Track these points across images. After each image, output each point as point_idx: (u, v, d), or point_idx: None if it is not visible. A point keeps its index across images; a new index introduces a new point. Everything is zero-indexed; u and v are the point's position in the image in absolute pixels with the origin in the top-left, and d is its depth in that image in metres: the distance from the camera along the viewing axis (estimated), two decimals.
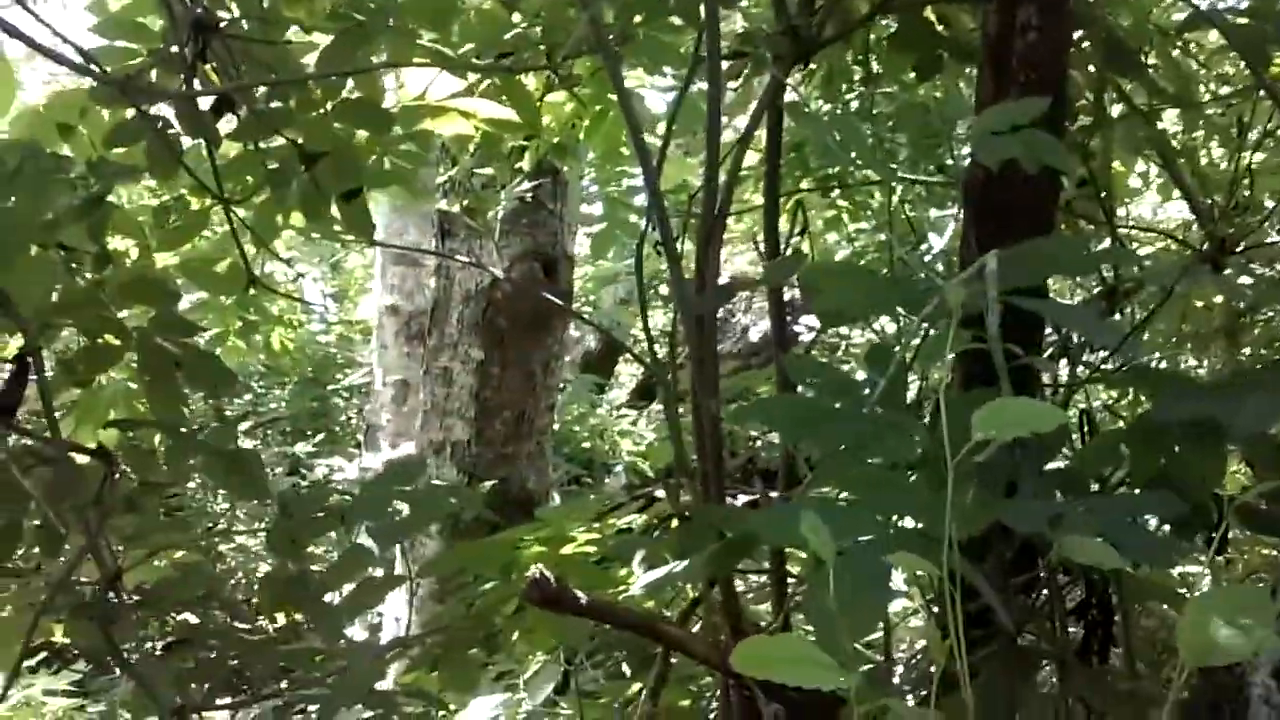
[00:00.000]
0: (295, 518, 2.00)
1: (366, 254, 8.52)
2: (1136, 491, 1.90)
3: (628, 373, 9.75)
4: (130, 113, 2.34)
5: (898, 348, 1.89)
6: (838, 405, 1.67)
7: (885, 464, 1.67)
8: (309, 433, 8.90)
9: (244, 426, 8.70)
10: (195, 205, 2.75)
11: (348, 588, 2.13)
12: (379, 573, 2.84)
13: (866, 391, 1.71)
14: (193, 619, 2.98)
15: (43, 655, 4.79)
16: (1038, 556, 1.84)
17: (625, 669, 3.72)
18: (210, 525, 6.89)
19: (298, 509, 2.01)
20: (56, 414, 2.89)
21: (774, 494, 2.60)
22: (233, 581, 6.79)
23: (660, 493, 5.41)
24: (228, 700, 2.35)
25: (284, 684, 2.41)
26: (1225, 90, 3.49)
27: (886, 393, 1.73)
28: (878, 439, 1.59)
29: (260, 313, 4.30)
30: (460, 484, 4.84)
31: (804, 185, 3.81)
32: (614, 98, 3.61)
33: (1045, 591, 1.82)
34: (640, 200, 4.94)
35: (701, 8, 2.53)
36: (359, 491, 2.11)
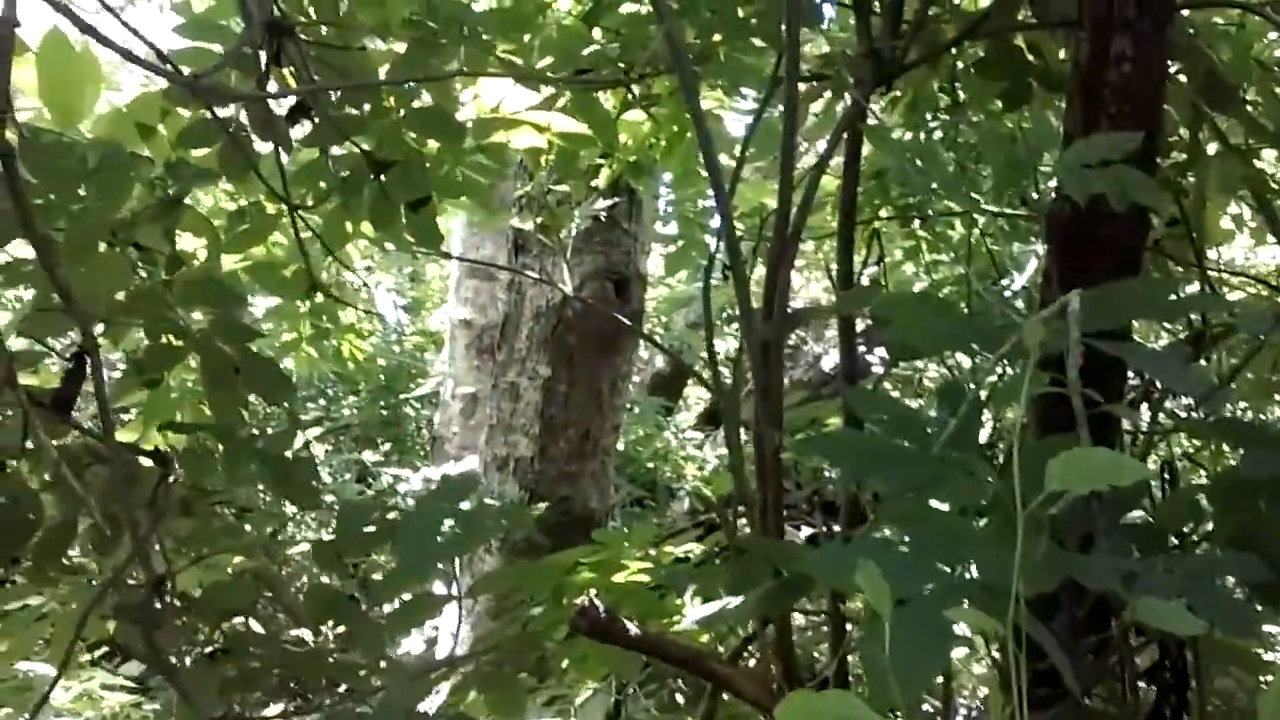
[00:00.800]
0: (340, 532, 1.97)
1: (444, 266, 8.57)
2: (1218, 551, 1.80)
3: (695, 396, 9.68)
4: (205, 114, 2.34)
5: (971, 386, 1.81)
6: (905, 444, 1.60)
7: (952, 509, 1.60)
8: (379, 441, 8.95)
9: (316, 433, 8.77)
10: (271, 210, 2.76)
11: (400, 602, 2.10)
12: (440, 587, 2.81)
13: (935, 430, 1.64)
14: (255, 625, 2.97)
15: (104, 650, 4.83)
16: (1110, 614, 1.75)
17: (679, 699, 3.65)
18: (275, 530, 6.93)
19: (345, 522, 1.98)
20: (130, 415, 2.91)
21: (836, 529, 2.52)
22: (296, 586, 6.82)
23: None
24: (275, 710, 2.33)
25: (334, 697, 2.38)
26: None
27: (957, 433, 1.66)
28: (945, 481, 1.51)
29: (332, 321, 4.32)
30: (518, 502, 4.81)
31: (882, 214, 3.73)
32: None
33: (1118, 652, 1.73)
34: (715, 221, 4.90)
35: (783, 28, 2.48)
36: (412, 507, 2.08)
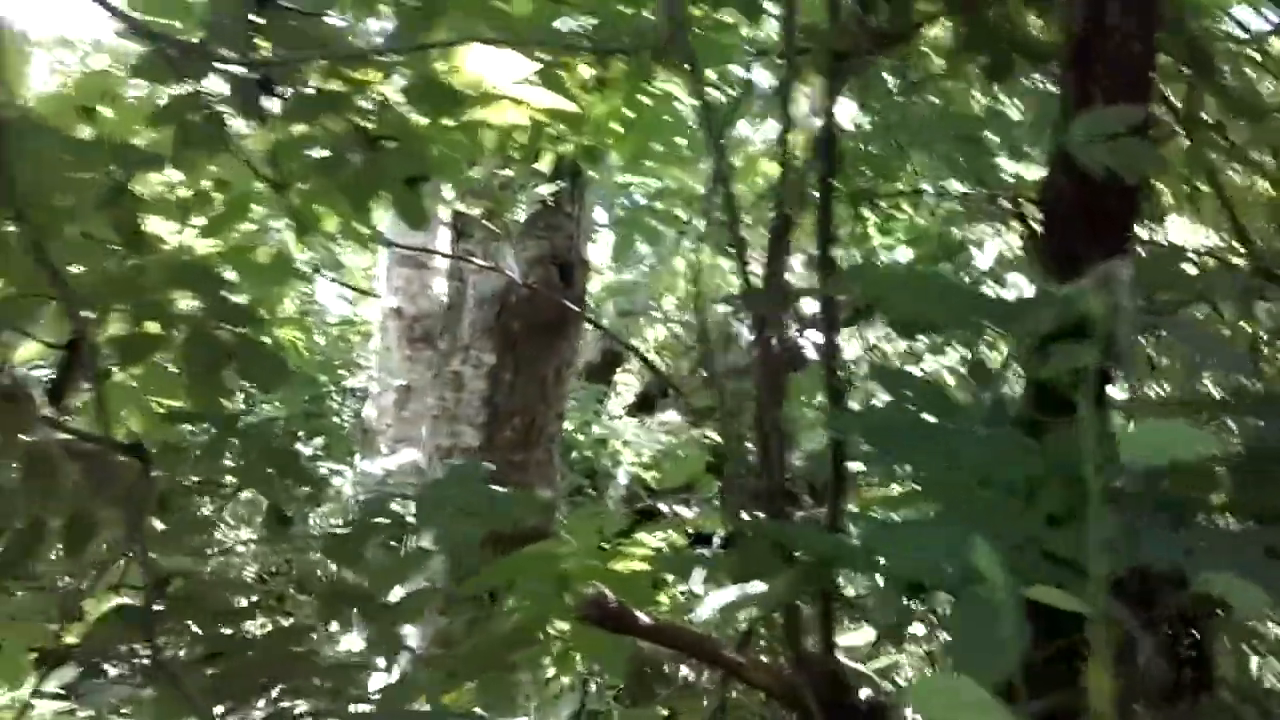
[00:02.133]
0: (356, 525, 1.88)
1: (373, 254, 8.36)
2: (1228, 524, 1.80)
3: (624, 383, 9.64)
4: (170, 91, 2.22)
5: (990, 363, 1.79)
6: (946, 423, 1.56)
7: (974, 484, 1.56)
8: (301, 435, 8.72)
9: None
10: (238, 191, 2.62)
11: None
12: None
13: (971, 407, 1.61)
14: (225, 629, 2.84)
15: (32, 656, 4.61)
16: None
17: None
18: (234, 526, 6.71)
19: (365, 514, 1.89)
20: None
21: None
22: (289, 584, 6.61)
23: (681, 509, 5.32)
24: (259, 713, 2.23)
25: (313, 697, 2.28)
26: None
27: (991, 411, 1.63)
28: (998, 458, 1.48)
29: (270, 311, 4.18)
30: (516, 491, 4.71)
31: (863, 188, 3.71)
32: (647, 100, 3.53)
33: (1170, 629, 1.72)
34: (659, 205, 4.86)
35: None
36: (421, 496, 2.00)
